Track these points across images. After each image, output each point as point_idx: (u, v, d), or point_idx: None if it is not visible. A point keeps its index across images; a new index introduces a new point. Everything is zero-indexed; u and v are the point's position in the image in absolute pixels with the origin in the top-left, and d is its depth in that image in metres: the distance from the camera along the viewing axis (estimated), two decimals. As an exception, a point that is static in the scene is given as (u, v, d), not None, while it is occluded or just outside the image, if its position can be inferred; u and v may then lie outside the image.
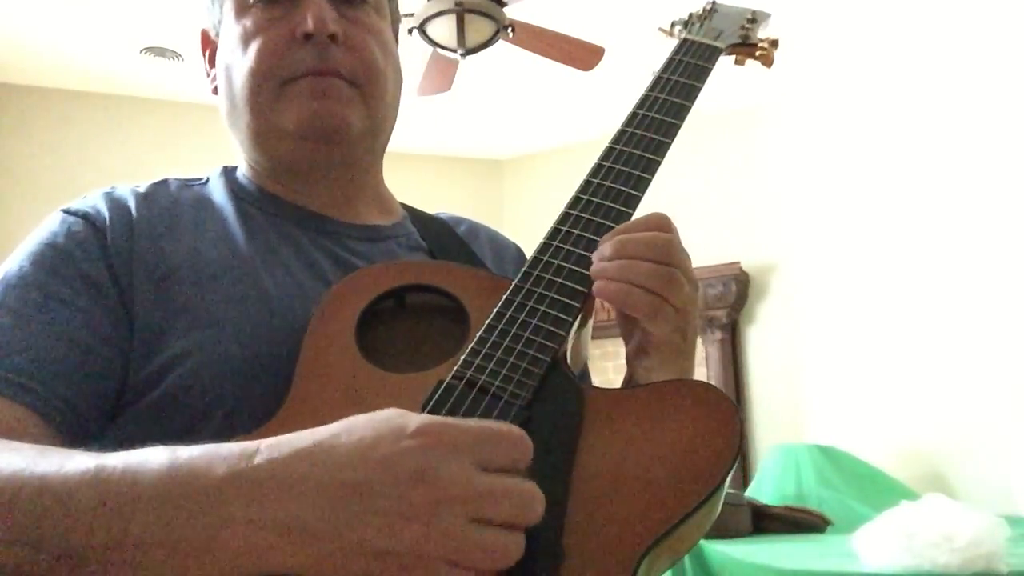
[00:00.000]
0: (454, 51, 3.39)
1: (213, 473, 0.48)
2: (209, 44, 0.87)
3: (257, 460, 0.48)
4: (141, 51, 4.15)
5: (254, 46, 0.78)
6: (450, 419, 0.50)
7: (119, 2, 3.70)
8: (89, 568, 0.48)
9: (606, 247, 0.66)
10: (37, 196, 4.21)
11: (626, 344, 0.73)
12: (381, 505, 0.46)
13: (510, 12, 3.42)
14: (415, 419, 0.49)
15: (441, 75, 3.74)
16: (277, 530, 0.46)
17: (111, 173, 4.27)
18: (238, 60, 0.79)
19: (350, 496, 0.46)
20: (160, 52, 4.16)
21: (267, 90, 0.78)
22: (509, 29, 3.41)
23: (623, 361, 0.75)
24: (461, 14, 3.27)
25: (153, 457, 0.50)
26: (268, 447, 0.49)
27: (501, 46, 3.52)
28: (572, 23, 3.67)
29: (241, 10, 0.80)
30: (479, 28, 3.34)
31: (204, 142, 4.41)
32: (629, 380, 0.74)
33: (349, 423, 0.50)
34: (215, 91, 0.85)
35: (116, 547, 0.47)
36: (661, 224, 0.68)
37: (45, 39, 3.99)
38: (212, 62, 0.86)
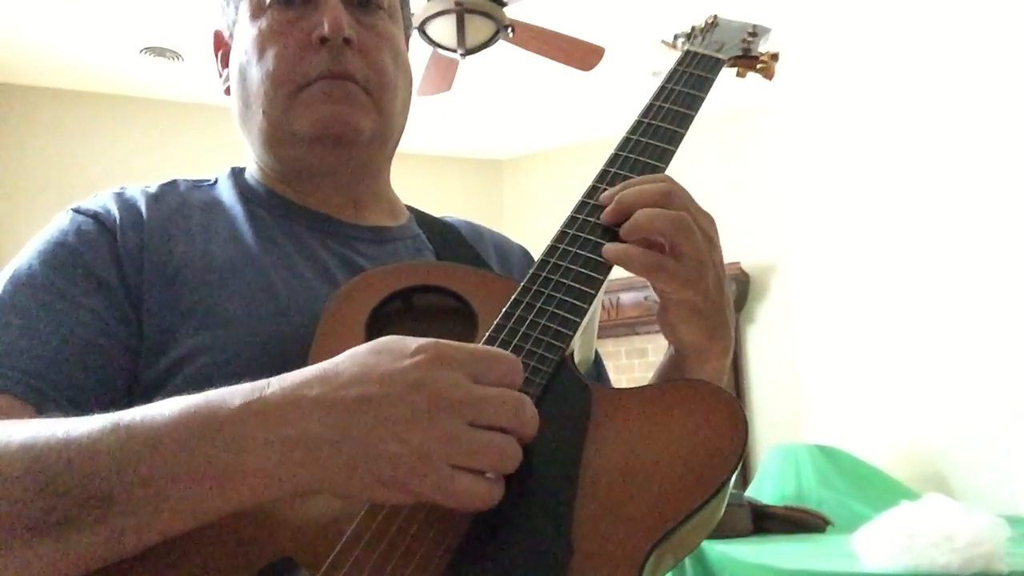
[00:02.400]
0: (454, 51, 3.40)
1: (229, 405, 0.51)
2: (222, 45, 0.87)
3: (269, 390, 0.51)
4: (141, 51, 4.15)
5: (270, 50, 0.79)
6: (448, 341, 0.53)
7: (119, 2, 3.71)
8: (116, 508, 0.49)
9: (606, 197, 0.69)
10: (37, 196, 4.21)
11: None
12: (386, 413, 0.49)
13: (510, 12, 3.42)
14: (413, 341, 0.53)
15: (441, 75, 3.74)
16: (293, 446, 0.49)
17: (111, 173, 4.28)
18: (253, 63, 0.80)
19: (357, 408, 0.50)
20: (160, 52, 4.17)
21: (281, 94, 0.78)
22: (509, 29, 3.41)
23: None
24: (461, 14, 3.27)
25: (169, 402, 0.53)
26: (278, 379, 0.52)
27: (501, 46, 3.52)
28: (572, 23, 3.67)
29: (257, 12, 0.81)
30: (479, 28, 3.34)
31: (204, 142, 4.42)
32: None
33: (351, 351, 0.53)
34: (227, 91, 0.86)
35: (142, 483, 0.49)
36: (661, 178, 0.70)
37: (45, 39, 3.99)
38: (225, 62, 0.87)
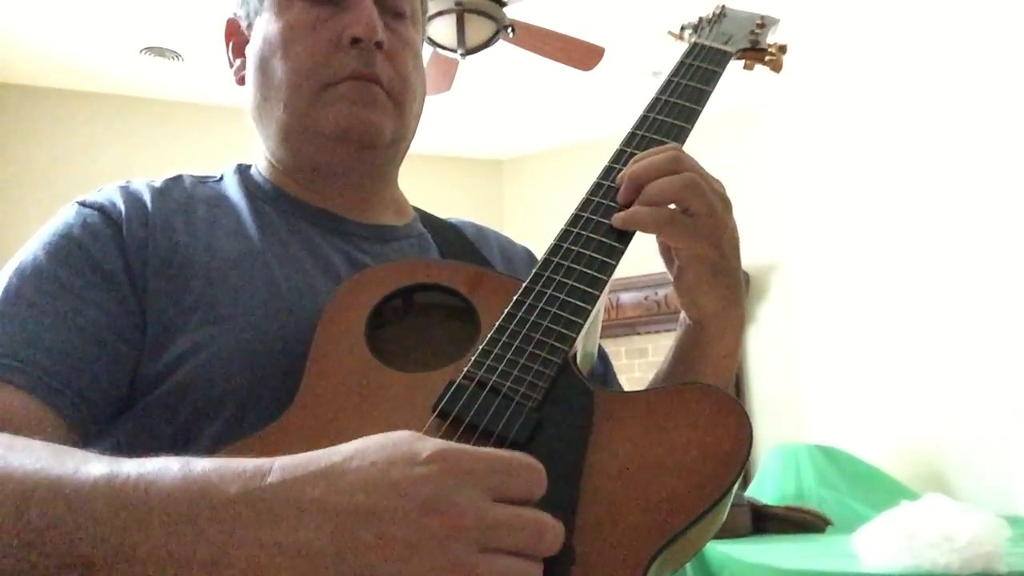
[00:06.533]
0: (454, 51, 3.40)
1: (226, 490, 0.47)
2: (236, 34, 0.87)
3: (270, 479, 0.48)
4: (141, 51, 4.15)
5: (298, 45, 0.79)
6: (465, 446, 0.49)
7: (119, 2, 3.70)
8: (97, 575, 0.48)
9: (620, 178, 0.70)
10: (37, 196, 4.21)
11: (672, 277, 0.76)
12: (391, 532, 0.45)
13: (510, 12, 3.42)
14: (429, 444, 0.48)
15: (441, 75, 3.74)
16: (286, 553, 0.46)
17: (111, 172, 4.26)
18: (278, 56, 0.79)
19: (360, 522, 0.45)
20: (160, 52, 4.17)
21: (307, 91, 0.79)
22: (509, 29, 3.41)
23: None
24: (461, 14, 3.27)
25: (167, 468, 0.49)
26: (281, 467, 0.48)
27: (501, 46, 3.52)
28: (572, 23, 3.67)
29: (285, 5, 0.80)
30: (479, 28, 3.35)
31: (203, 142, 4.42)
32: (683, 315, 0.78)
33: (363, 445, 0.49)
34: (240, 81, 0.85)
35: (125, 560, 0.47)
36: (666, 148, 0.71)
37: (45, 39, 3.99)
38: (237, 52, 0.86)
